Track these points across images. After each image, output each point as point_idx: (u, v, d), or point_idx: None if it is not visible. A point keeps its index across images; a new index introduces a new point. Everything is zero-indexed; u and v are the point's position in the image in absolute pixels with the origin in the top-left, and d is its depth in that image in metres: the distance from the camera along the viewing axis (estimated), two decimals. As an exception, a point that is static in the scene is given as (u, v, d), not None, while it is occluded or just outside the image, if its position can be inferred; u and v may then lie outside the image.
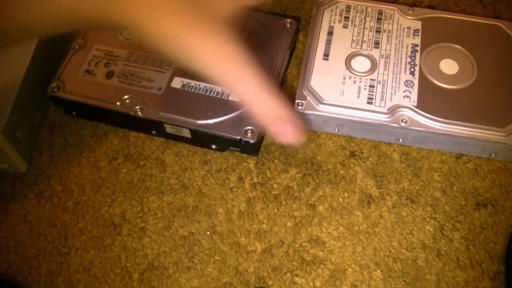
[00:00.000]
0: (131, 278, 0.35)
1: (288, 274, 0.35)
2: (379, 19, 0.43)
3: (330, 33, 0.42)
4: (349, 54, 0.41)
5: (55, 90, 0.40)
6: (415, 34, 0.42)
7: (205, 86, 0.40)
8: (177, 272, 0.35)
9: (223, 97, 0.39)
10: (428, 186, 0.38)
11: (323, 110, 0.38)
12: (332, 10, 0.44)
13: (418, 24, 0.42)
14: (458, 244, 0.35)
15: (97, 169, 0.40)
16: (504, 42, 0.41)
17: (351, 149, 0.40)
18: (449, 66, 0.40)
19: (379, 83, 0.39)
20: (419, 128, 0.37)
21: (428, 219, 0.36)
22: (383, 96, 0.38)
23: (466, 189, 0.38)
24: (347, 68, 0.40)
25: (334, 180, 0.38)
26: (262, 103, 0.29)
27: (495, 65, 0.40)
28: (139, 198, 0.38)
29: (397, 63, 0.40)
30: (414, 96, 0.38)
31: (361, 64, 0.40)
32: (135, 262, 0.36)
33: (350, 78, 0.39)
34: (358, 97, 0.38)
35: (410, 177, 0.38)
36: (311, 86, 0.39)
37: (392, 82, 0.39)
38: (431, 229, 0.36)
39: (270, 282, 0.35)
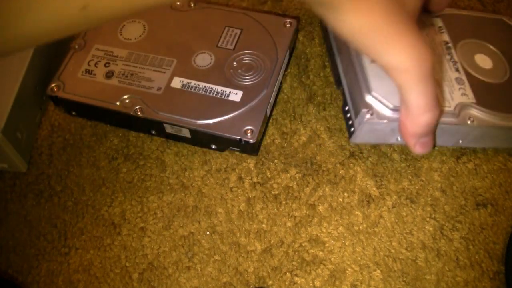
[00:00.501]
0: (130, 278, 0.35)
1: (288, 274, 0.35)
2: None
3: None
4: None
5: (55, 90, 0.40)
6: (441, 31, 0.40)
7: (205, 86, 0.40)
8: (176, 272, 0.35)
9: (223, 97, 0.39)
10: (428, 186, 0.38)
11: (395, 116, 0.35)
12: None
13: (439, 21, 0.41)
14: (458, 244, 0.35)
15: (97, 169, 0.40)
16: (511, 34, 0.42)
17: (351, 149, 0.40)
18: (483, 61, 0.39)
19: (436, 82, 0.36)
20: (485, 126, 0.36)
21: (428, 219, 0.36)
22: (445, 95, 0.36)
23: (466, 189, 0.38)
24: None
25: (334, 180, 0.38)
26: (432, 116, 0.31)
27: None
28: (139, 198, 0.38)
29: (441, 61, 0.38)
30: (469, 93, 0.37)
31: None
32: (135, 262, 0.36)
33: None
34: None
35: (410, 177, 0.38)
36: (374, 93, 0.35)
37: (445, 81, 0.37)
38: (431, 229, 0.36)
39: (270, 282, 0.35)
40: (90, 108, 0.40)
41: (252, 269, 0.35)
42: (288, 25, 0.43)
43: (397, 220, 0.36)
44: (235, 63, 0.41)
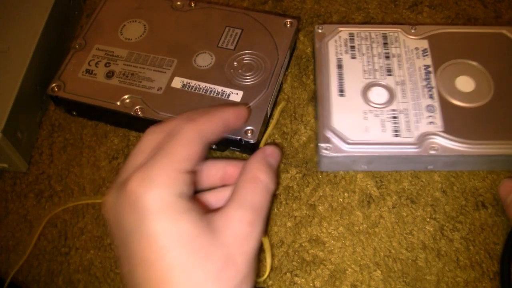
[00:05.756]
0: (131, 277, 0.35)
1: (288, 274, 0.35)
2: (385, 44, 0.41)
3: (339, 66, 0.40)
4: (364, 86, 0.39)
5: (55, 89, 0.40)
6: (425, 54, 0.40)
7: (205, 86, 0.40)
8: (177, 272, 0.35)
9: (223, 97, 0.39)
10: (428, 186, 0.38)
11: (351, 150, 0.36)
12: (335, 41, 0.41)
13: (425, 43, 0.41)
14: (458, 245, 0.35)
15: (97, 168, 0.40)
16: (511, 48, 0.41)
17: (351, 149, 0.40)
18: (465, 83, 0.39)
19: (401, 113, 0.37)
20: (450, 154, 0.36)
21: (428, 219, 0.36)
22: (408, 126, 0.37)
23: (466, 189, 0.38)
24: (365, 101, 0.38)
25: (334, 180, 0.38)
26: None
27: (509, 74, 0.39)
28: (139, 198, 0.38)
29: (414, 88, 0.39)
30: (438, 120, 0.37)
31: (378, 95, 0.38)
32: (135, 262, 0.36)
33: (371, 112, 0.38)
34: (383, 131, 0.37)
35: (410, 178, 0.38)
36: (333, 127, 0.37)
37: (414, 110, 0.37)
38: (431, 229, 0.36)
39: (270, 282, 0.35)
40: (91, 108, 0.40)
41: (252, 269, 0.35)
42: (288, 25, 0.43)
43: (397, 220, 0.36)
44: (235, 63, 0.41)
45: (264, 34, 0.42)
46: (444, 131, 0.36)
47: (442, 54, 0.41)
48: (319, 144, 0.36)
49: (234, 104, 0.38)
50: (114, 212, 0.28)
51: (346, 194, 0.38)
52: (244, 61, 0.41)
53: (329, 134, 0.37)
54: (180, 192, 0.27)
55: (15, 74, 0.40)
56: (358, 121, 0.37)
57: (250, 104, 0.39)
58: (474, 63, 0.40)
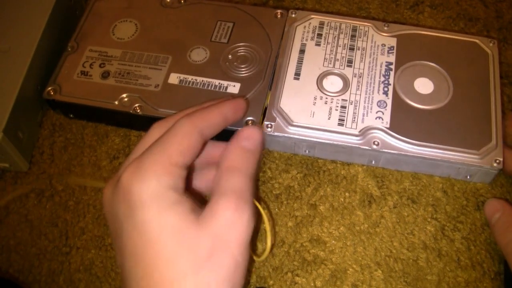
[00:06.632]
0: (132, 277, 0.35)
1: (289, 274, 0.35)
2: (353, 36, 0.41)
3: (302, 51, 0.40)
4: (321, 73, 0.39)
5: (51, 93, 0.40)
6: (390, 51, 0.40)
7: (202, 80, 0.40)
8: (178, 272, 0.35)
9: (221, 90, 0.39)
10: (429, 186, 0.38)
11: (293, 132, 0.37)
12: (305, 26, 0.42)
13: (393, 41, 0.41)
14: (459, 245, 0.35)
15: (98, 168, 0.40)
16: (480, 59, 0.40)
17: (352, 149, 0.40)
18: (424, 86, 0.39)
19: (351, 104, 0.38)
20: (391, 151, 0.36)
21: (429, 219, 0.36)
22: (354, 118, 0.37)
23: (467, 190, 0.38)
24: (318, 88, 0.38)
25: (335, 180, 0.38)
26: None
27: (471, 84, 0.39)
28: (140, 198, 0.38)
29: (370, 83, 0.39)
30: (386, 117, 0.37)
31: (333, 83, 0.39)
32: (136, 262, 0.36)
33: (321, 99, 0.38)
34: (329, 119, 0.37)
35: (411, 178, 0.38)
36: (280, 107, 0.37)
37: (365, 103, 0.38)
38: (432, 229, 0.36)
39: (271, 282, 0.35)
40: (89, 109, 0.40)
41: (253, 269, 0.35)
42: (279, 16, 0.43)
43: (398, 220, 0.36)
44: (230, 56, 0.41)
45: (255, 26, 0.43)
46: (389, 128, 0.37)
47: (407, 54, 0.41)
48: (264, 122, 0.37)
49: (232, 96, 0.39)
50: (110, 205, 0.28)
51: (347, 194, 0.38)
52: (239, 54, 0.41)
53: (275, 113, 0.37)
54: (170, 184, 0.27)
55: (16, 73, 0.40)
56: (306, 106, 0.38)
57: (249, 95, 0.39)
58: (438, 67, 0.40)
